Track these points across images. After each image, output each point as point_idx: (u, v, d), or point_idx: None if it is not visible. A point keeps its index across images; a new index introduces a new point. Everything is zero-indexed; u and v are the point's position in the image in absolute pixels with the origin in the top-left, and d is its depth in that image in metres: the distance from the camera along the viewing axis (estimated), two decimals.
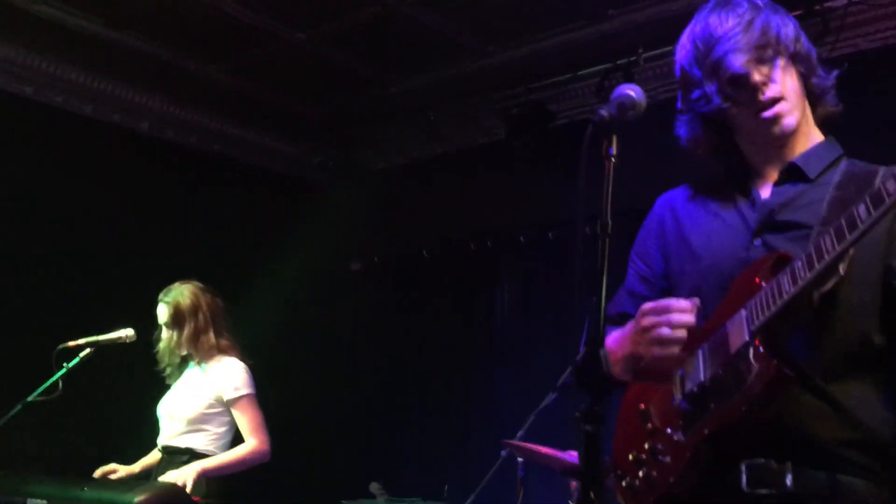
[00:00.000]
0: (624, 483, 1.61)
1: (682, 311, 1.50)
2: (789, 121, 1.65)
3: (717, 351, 1.50)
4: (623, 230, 2.37)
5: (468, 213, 5.83)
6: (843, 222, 1.35)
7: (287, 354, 5.81)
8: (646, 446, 1.58)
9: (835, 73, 1.73)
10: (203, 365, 3.87)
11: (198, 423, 3.78)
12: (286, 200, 6.17)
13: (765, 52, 1.63)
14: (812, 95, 1.71)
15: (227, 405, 3.80)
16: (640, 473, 1.58)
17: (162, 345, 3.94)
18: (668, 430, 1.54)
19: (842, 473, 1.44)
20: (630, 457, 1.60)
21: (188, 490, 3.44)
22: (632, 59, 4.75)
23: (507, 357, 5.53)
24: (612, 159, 1.42)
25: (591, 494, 1.14)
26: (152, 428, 3.95)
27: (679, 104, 1.77)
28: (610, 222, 1.36)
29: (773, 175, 1.70)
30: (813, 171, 1.66)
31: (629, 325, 1.59)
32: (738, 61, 1.62)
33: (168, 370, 3.97)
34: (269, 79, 5.50)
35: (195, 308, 3.90)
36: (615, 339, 1.62)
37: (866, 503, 1.43)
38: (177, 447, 3.78)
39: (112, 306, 4.19)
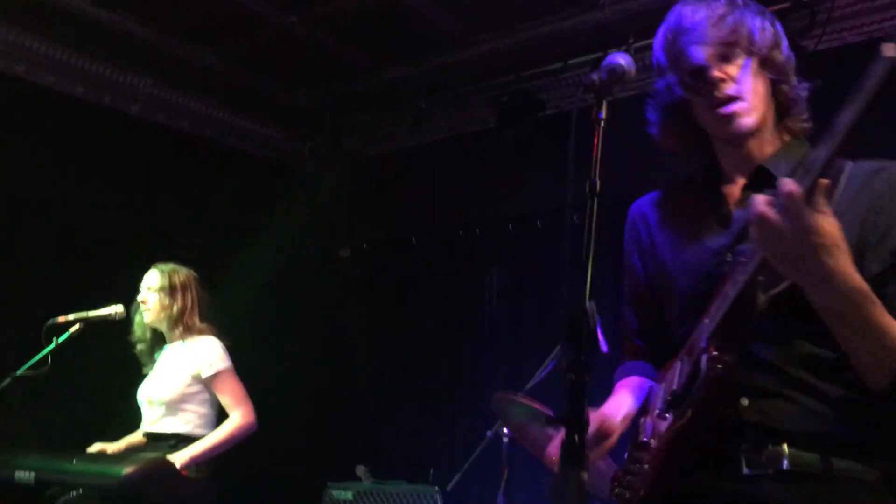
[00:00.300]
0: (616, 491, 1.68)
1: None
2: (745, 121, 1.62)
3: (688, 360, 1.56)
4: (610, 219, 2.41)
5: (458, 201, 5.86)
6: None
7: (274, 339, 5.83)
8: (634, 455, 1.65)
9: (806, 84, 1.69)
10: (178, 343, 3.86)
11: (178, 404, 3.76)
12: (276, 186, 6.18)
13: (731, 50, 1.61)
14: (781, 105, 1.68)
15: (206, 383, 3.79)
16: (626, 481, 1.66)
17: (139, 317, 3.92)
18: (647, 439, 1.62)
19: (834, 455, 1.47)
20: (625, 468, 1.67)
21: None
22: (623, 48, 4.78)
23: (495, 343, 5.57)
24: (602, 123, 1.45)
25: (576, 438, 1.17)
26: (136, 409, 3.96)
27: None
28: (598, 182, 1.39)
29: (742, 178, 1.68)
30: (782, 171, 1.62)
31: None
32: (701, 54, 1.61)
33: (140, 348, 3.95)
34: (260, 64, 5.51)
35: (186, 286, 3.92)
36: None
37: (858, 481, 1.46)
38: (161, 433, 3.76)
39: (100, 286, 4.19)
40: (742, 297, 1.45)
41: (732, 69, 1.61)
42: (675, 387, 1.57)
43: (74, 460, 3.26)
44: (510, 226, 5.66)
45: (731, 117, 1.62)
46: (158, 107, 5.76)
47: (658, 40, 1.71)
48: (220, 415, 3.87)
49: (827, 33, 4.34)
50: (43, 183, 4.91)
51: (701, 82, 1.62)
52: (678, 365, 1.60)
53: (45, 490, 3.20)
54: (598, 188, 1.39)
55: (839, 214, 1.45)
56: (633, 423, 1.69)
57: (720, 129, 1.65)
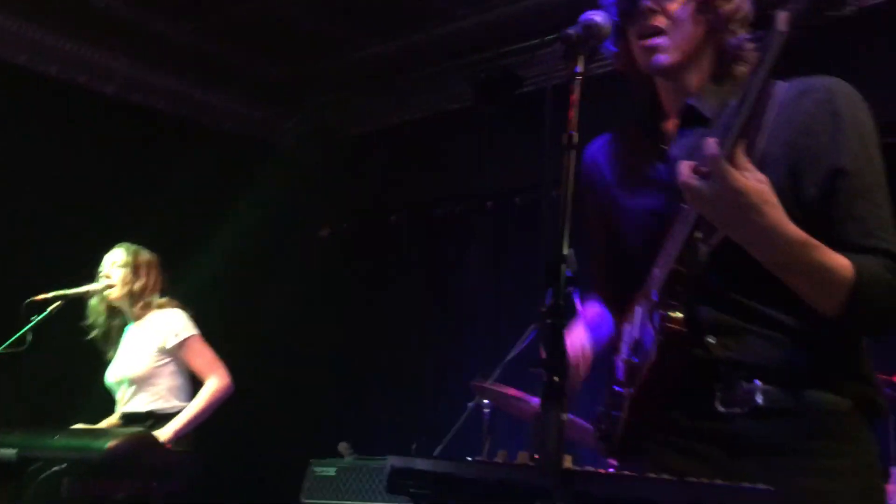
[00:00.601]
0: (597, 434, 1.70)
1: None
2: (662, 58, 1.60)
3: (646, 304, 1.58)
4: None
5: (436, 178, 5.88)
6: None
7: (255, 317, 5.84)
8: (610, 399, 1.66)
9: (747, 36, 1.62)
10: (140, 321, 3.85)
11: (148, 380, 3.75)
12: (256, 164, 6.16)
13: None
14: (724, 54, 1.64)
15: (173, 353, 3.78)
16: (602, 427, 1.67)
17: (94, 302, 3.89)
18: (616, 387, 1.63)
19: (806, 388, 1.49)
20: (600, 411, 1.69)
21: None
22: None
23: (475, 319, 5.60)
24: (579, 77, 1.47)
25: (556, 378, 1.20)
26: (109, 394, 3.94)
27: None
28: (576, 134, 1.41)
29: (676, 115, 1.67)
30: (709, 109, 1.62)
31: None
32: None
33: (96, 333, 3.91)
34: (238, 41, 5.48)
35: (150, 267, 3.91)
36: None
37: (832, 412, 1.49)
38: (136, 413, 3.75)
39: (76, 266, 4.17)
40: (685, 252, 1.48)
41: (672, 4, 1.59)
42: (636, 334, 1.60)
43: (57, 436, 3.24)
44: (488, 203, 5.68)
45: (649, 51, 1.61)
46: (135, 86, 5.72)
47: None
48: (194, 383, 3.85)
49: None
50: (19, 162, 4.88)
51: (632, 7, 1.61)
52: (638, 310, 1.62)
53: (27, 466, 3.19)
54: (575, 140, 1.41)
55: (772, 138, 1.49)
56: (608, 362, 1.71)
57: (642, 60, 1.64)
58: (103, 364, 3.96)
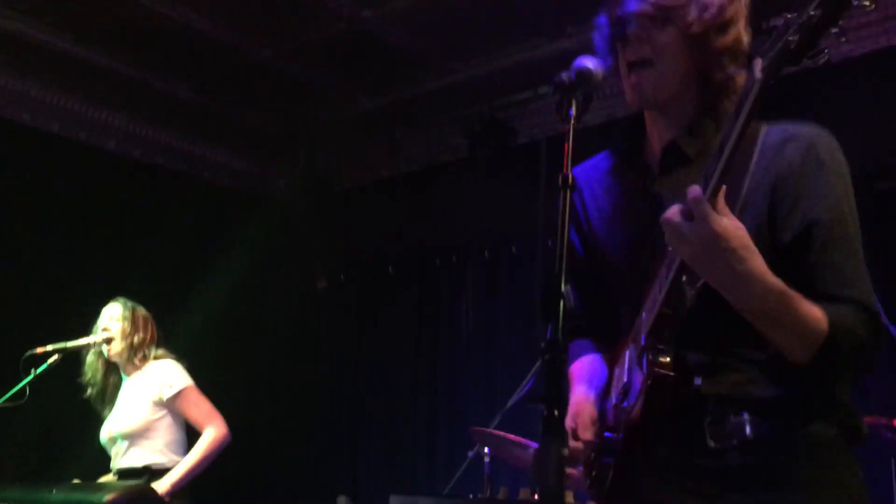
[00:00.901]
0: (588, 481, 1.70)
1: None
2: (647, 94, 1.59)
3: (634, 349, 1.58)
4: None
5: (433, 228, 5.93)
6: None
7: (252, 368, 5.83)
8: (597, 447, 1.65)
9: (737, 70, 1.57)
10: (135, 375, 3.84)
11: (144, 434, 3.72)
12: (251, 217, 6.20)
13: (666, 16, 1.56)
14: (711, 89, 1.60)
15: (169, 405, 3.75)
16: (593, 473, 1.67)
17: (91, 358, 3.89)
18: (606, 433, 1.63)
19: (793, 418, 1.50)
20: (591, 457, 1.68)
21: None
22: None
23: (472, 366, 5.60)
24: (572, 120, 1.51)
25: (556, 413, 1.22)
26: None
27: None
28: (571, 175, 1.44)
29: (660, 149, 1.65)
30: (694, 147, 1.60)
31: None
32: (634, 6, 1.57)
33: (91, 392, 3.89)
34: (235, 97, 5.58)
35: (147, 321, 3.92)
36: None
37: (819, 441, 1.49)
38: (132, 468, 3.71)
39: (73, 320, 4.17)
40: (671, 295, 1.48)
41: (662, 36, 1.57)
42: (625, 379, 1.60)
43: (54, 490, 3.22)
44: (485, 251, 5.73)
45: (634, 86, 1.60)
46: (134, 142, 5.80)
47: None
48: (192, 434, 3.81)
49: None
50: (19, 218, 4.93)
51: (620, 34, 1.59)
52: (627, 354, 1.62)
53: None
54: (570, 180, 1.44)
55: (754, 182, 1.48)
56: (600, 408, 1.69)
57: (627, 94, 1.63)
58: (98, 421, 3.93)
